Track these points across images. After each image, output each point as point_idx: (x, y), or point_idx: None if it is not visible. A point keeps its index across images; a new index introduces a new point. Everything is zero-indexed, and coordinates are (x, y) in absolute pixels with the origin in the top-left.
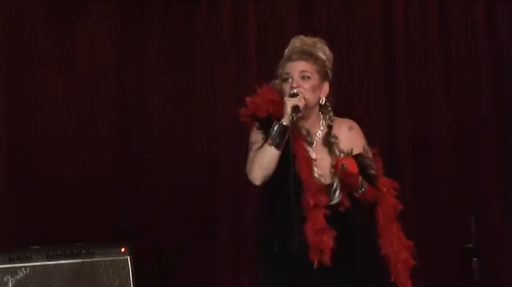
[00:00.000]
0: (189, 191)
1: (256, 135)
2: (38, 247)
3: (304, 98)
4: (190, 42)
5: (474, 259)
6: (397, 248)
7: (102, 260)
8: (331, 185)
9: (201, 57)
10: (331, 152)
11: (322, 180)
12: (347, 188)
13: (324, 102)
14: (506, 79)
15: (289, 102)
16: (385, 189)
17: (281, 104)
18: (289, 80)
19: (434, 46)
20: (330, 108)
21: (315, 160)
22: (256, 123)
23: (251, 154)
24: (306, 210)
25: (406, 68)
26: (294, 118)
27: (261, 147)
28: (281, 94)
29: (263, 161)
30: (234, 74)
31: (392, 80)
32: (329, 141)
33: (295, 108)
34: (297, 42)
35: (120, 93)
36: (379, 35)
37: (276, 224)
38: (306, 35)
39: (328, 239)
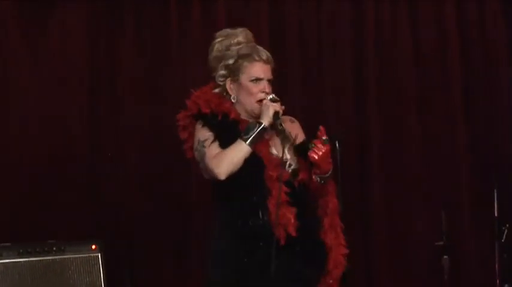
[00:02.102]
0: (162, 187)
1: (204, 133)
2: (8, 244)
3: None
4: (162, 40)
5: (445, 256)
6: (339, 243)
7: (73, 257)
8: (285, 161)
9: (173, 54)
10: (281, 132)
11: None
12: (323, 160)
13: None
14: (477, 78)
15: (272, 108)
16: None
17: (221, 101)
18: (258, 81)
19: (405, 45)
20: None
21: (269, 139)
22: (200, 122)
23: (207, 150)
24: (269, 184)
25: (377, 67)
26: (278, 124)
27: (214, 140)
28: (246, 92)
29: (235, 157)
30: (204, 72)
31: (363, 79)
32: (276, 126)
33: (277, 114)
34: (247, 35)
35: (92, 90)
36: (349, 35)
37: (237, 203)
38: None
39: (289, 214)
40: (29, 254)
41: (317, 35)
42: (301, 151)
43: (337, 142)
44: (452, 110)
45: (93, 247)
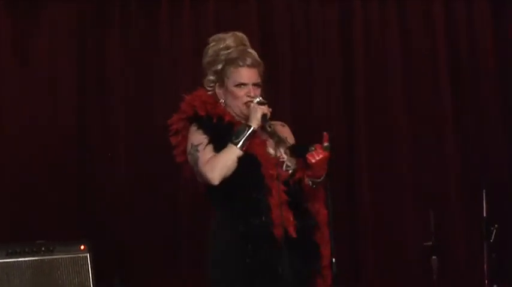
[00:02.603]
0: (151, 188)
1: (198, 136)
2: None
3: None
4: (152, 41)
5: (433, 256)
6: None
7: (61, 258)
8: (282, 161)
9: (163, 54)
10: (273, 135)
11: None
12: (319, 165)
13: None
14: (465, 79)
15: (260, 110)
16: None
17: (216, 104)
18: (242, 86)
19: (393, 46)
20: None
21: (265, 139)
22: (194, 125)
23: (201, 154)
24: (269, 183)
25: (365, 67)
26: (267, 126)
27: (209, 144)
28: (232, 97)
29: (228, 161)
30: (193, 72)
31: (352, 79)
32: (266, 129)
33: (265, 116)
34: (237, 39)
35: (82, 90)
36: (338, 35)
37: (237, 203)
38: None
39: (288, 214)
40: (18, 255)
41: (306, 36)
42: (297, 151)
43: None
44: (441, 111)
45: (82, 247)
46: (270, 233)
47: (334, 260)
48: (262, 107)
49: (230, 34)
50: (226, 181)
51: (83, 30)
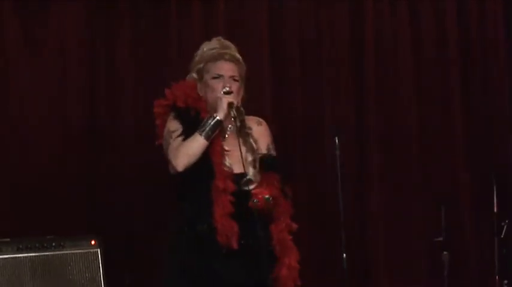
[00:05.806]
0: (160, 183)
1: (174, 124)
2: (7, 239)
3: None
4: (161, 38)
5: (444, 252)
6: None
7: (72, 253)
8: (241, 175)
9: (171, 53)
10: (246, 142)
11: (232, 169)
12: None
13: (239, 105)
14: (476, 72)
15: (225, 99)
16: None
17: (198, 98)
18: (220, 78)
19: (404, 39)
20: (242, 110)
21: (227, 151)
22: (173, 113)
23: (172, 141)
24: (215, 194)
25: (375, 61)
26: (232, 114)
27: (181, 134)
28: (210, 90)
29: (191, 149)
30: None
31: (362, 73)
32: (243, 132)
33: (231, 105)
34: (222, 42)
35: (91, 88)
36: (348, 34)
37: (187, 208)
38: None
39: (234, 225)
40: (29, 250)
41: (316, 34)
42: (265, 164)
43: (336, 138)
44: (451, 107)
45: (93, 242)
46: (213, 240)
47: (344, 255)
48: (228, 96)
49: (216, 38)
50: (182, 182)
51: (93, 27)
